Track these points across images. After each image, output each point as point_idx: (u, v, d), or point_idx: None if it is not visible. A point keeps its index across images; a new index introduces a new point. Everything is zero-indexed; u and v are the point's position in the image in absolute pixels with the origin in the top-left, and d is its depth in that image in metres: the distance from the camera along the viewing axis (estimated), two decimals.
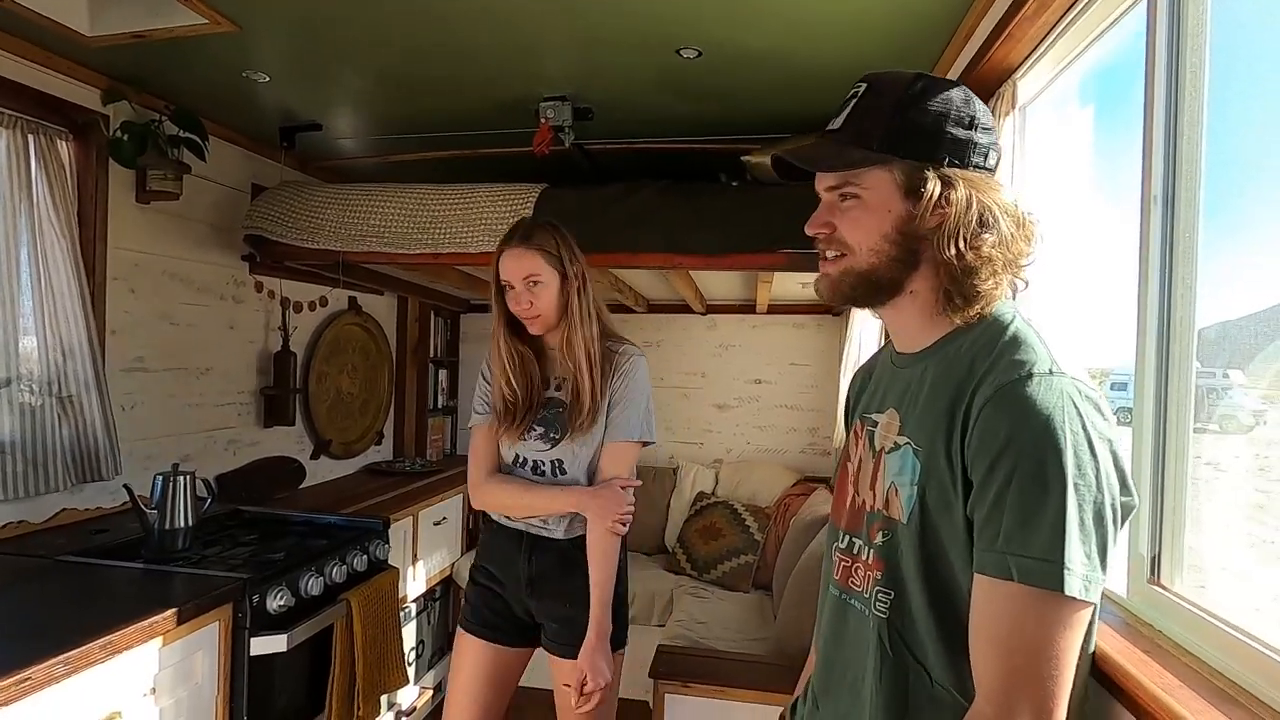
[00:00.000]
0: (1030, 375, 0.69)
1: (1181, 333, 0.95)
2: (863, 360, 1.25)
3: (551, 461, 1.53)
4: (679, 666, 2.03)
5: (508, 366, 1.53)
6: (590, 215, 2.28)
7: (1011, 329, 0.76)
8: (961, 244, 0.74)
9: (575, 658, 1.45)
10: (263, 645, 1.66)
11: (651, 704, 2.01)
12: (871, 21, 1.63)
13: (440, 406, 3.91)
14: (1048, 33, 1.33)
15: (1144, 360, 0.99)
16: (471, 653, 1.58)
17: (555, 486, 1.53)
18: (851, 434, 0.92)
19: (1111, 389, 1.67)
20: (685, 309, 3.68)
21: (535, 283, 1.48)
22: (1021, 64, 1.47)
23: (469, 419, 1.61)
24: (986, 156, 0.78)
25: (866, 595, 0.82)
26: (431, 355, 3.82)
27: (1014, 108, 1.50)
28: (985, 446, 0.69)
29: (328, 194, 2.46)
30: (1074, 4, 1.24)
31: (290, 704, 1.82)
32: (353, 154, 2.81)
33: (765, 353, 3.72)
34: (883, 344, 0.99)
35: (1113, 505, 0.67)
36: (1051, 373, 0.70)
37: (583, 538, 1.50)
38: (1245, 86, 0.98)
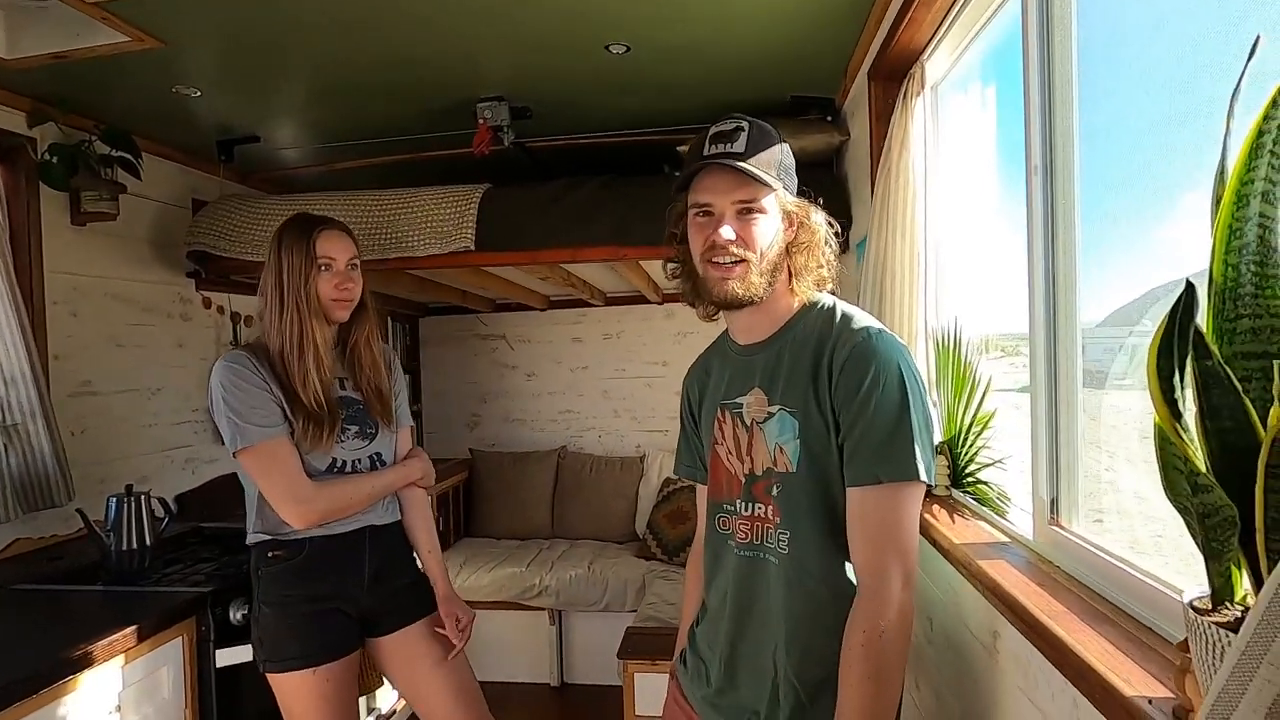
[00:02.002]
0: (870, 335, 0.93)
1: (1066, 293, 1.02)
2: None
3: (370, 457, 1.52)
4: (646, 645, 2.09)
5: (320, 367, 1.43)
6: (534, 212, 2.31)
7: (839, 309, 1.00)
8: (818, 255, 1.00)
9: (429, 613, 1.56)
10: (229, 656, 1.67)
11: (622, 684, 2.07)
12: (788, 12, 1.69)
13: None
14: (945, 15, 1.40)
15: (1035, 320, 1.06)
16: (331, 680, 1.44)
17: (382, 469, 1.53)
18: (714, 423, 1.08)
19: None
20: (642, 299, 3.73)
21: (354, 266, 1.50)
22: (927, 46, 1.54)
23: (240, 438, 1.37)
24: None
25: (759, 543, 1.00)
26: None
27: (924, 87, 1.57)
28: (850, 390, 0.91)
29: (270, 205, 2.45)
30: None
31: (264, 712, 1.83)
32: (294, 164, 2.80)
33: None
34: (710, 347, 1.19)
35: (929, 413, 0.93)
36: (882, 332, 0.94)
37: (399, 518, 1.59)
38: (1115, 60, 1.05)
